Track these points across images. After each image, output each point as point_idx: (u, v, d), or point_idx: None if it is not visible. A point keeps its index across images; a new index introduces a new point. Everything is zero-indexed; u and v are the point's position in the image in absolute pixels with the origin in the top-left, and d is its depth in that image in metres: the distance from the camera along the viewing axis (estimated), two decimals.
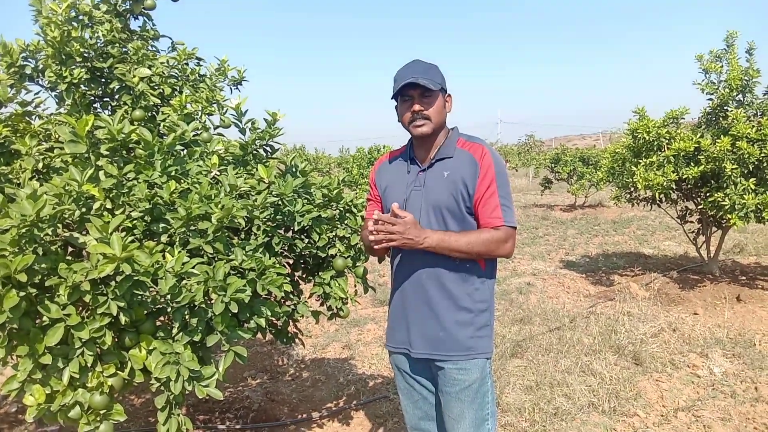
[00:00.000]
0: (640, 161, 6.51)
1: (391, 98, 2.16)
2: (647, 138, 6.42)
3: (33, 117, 2.88)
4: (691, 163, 6.14)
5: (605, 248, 9.84)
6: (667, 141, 6.34)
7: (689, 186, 6.53)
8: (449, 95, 2.19)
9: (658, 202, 7.04)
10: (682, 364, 4.51)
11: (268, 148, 2.79)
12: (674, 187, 6.38)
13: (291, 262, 2.81)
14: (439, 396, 2.21)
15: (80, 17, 2.78)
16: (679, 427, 3.55)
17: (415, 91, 2.06)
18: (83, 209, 2.06)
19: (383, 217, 1.87)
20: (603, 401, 3.84)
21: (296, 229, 2.59)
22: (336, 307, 2.81)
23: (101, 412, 2.08)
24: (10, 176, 2.44)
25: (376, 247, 1.97)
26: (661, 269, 7.71)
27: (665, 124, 6.52)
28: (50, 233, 2.02)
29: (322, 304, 2.86)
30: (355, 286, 2.91)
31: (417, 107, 2.06)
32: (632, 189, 7.12)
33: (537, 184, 20.15)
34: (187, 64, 3.04)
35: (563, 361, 4.55)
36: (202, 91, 2.84)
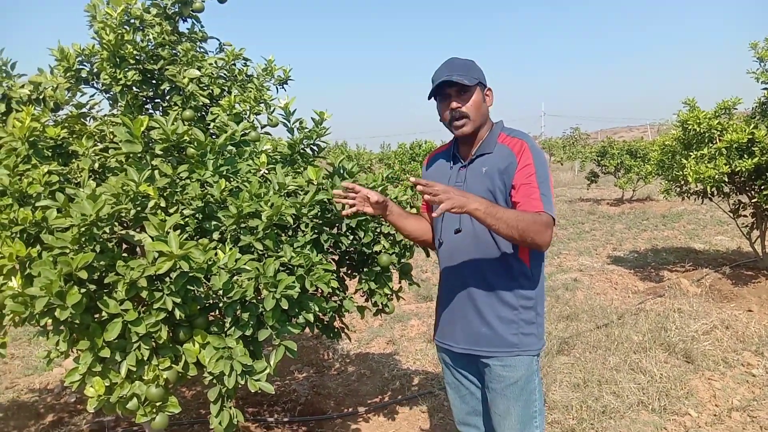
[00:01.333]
0: (691, 153, 6.34)
1: (429, 98, 2.16)
2: (698, 129, 6.25)
3: (88, 118, 2.98)
4: (745, 155, 5.94)
5: (654, 243, 9.62)
6: (719, 132, 6.15)
7: (742, 179, 6.32)
8: (489, 89, 2.17)
9: (709, 195, 6.84)
10: (736, 362, 4.39)
11: (315, 147, 2.83)
12: (726, 180, 6.18)
13: (336, 258, 2.85)
14: (485, 392, 2.21)
15: (132, 21, 2.86)
16: (733, 428, 3.46)
17: (452, 89, 2.06)
18: (138, 208, 2.12)
19: (421, 181, 1.80)
20: (653, 399, 3.77)
21: (343, 228, 2.62)
22: (381, 303, 2.83)
23: (157, 403, 2.15)
24: (68, 176, 2.54)
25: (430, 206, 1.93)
26: (712, 265, 7.49)
27: (717, 115, 6.33)
28: (108, 231, 2.10)
29: (367, 300, 2.88)
30: (400, 282, 2.93)
31: (455, 104, 2.07)
32: (682, 182, 6.94)
33: (583, 178, 19.79)
34: (234, 64, 3.10)
35: (611, 358, 4.48)
36: (250, 91, 2.89)
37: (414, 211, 2.63)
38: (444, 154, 2.30)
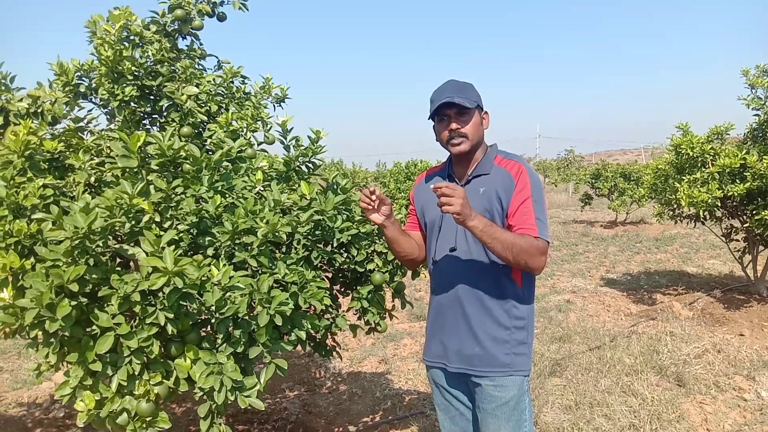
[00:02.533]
0: (684, 177, 6.40)
1: (428, 119, 2.19)
2: (691, 154, 6.31)
3: (85, 132, 2.99)
4: (737, 180, 6.00)
5: (647, 266, 9.65)
6: (711, 157, 6.21)
7: (735, 203, 6.37)
8: (486, 112, 2.20)
9: (702, 219, 6.88)
10: (727, 386, 4.39)
11: (310, 165, 2.85)
12: (719, 204, 6.24)
13: (330, 276, 2.85)
14: (476, 412, 2.21)
15: (131, 37, 2.89)
16: None
17: (452, 110, 2.09)
18: (133, 222, 2.13)
19: (449, 185, 1.85)
20: (644, 423, 3.76)
21: (335, 244, 2.63)
22: (374, 321, 2.84)
23: (147, 419, 2.14)
24: (64, 189, 2.54)
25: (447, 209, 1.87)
26: (705, 288, 7.52)
27: (710, 140, 6.40)
28: (101, 245, 2.10)
29: (359, 318, 2.89)
30: (393, 300, 2.93)
31: (454, 125, 2.09)
32: (675, 206, 6.98)
33: (577, 200, 19.88)
34: (232, 82, 3.13)
35: (603, 380, 4.47)
36: (247, 109, 2.91)
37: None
38: (438, 173, 2.31)
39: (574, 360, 5.01)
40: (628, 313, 6.85)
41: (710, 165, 6.17)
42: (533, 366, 4.63)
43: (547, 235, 2.02)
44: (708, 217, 6.75)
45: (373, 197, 2.05)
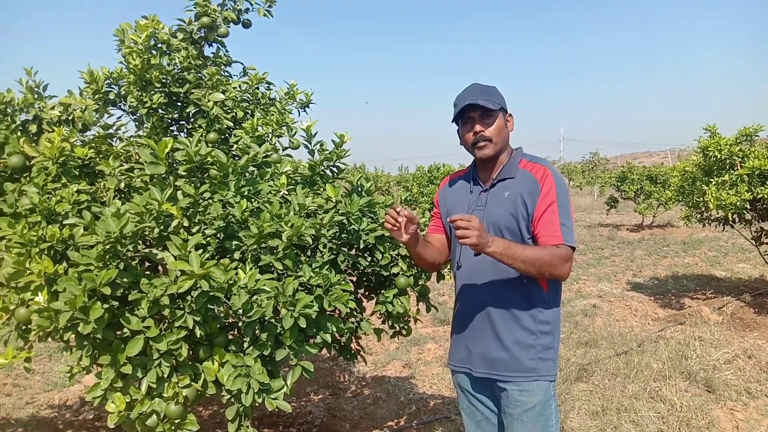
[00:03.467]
0: (712, 180, 6.30)
1: (452, 122, 2.19)
2: (719, 156, 6.21)
3: (114, 139, 3.05)
4: (767, 182, 5.89)
5: (675, 270, 9.51)
6: (740, 159, 6.11)
7: (765, 206, 6.25)
8: (510, 115, 2.20)
9: (731, 222, 6.77)
10: (759, 393, 4.30)
11: (335, 169, 2.87)
12: (748, 207, 6.12)
13: (354, 279, 2.87)
14: (501, 417, 2.20)
15: (159, 45, 2.95)
16: None
17: (476, 113, 2.09)
18: (162, 227, 2.17)
19: (463, 216, 1.83)
20: (673, 429, 3.70)
21: (360, 247, 2.64)
22: (398, 325, 2.84)
23: (176, 421, 2.17)
24: (95, 195, 2.60)
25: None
26: (734, 293, 7.38)
27: (738, 141, 6.30)
28: (131, 249, 2.15)
29: (384, 322, 2.89)
30: (417, 304, 2.94)
31: (478, 128, 2.09)
32: (703, 209, 6.88)
33: (602, 203, 19.66)
34: (257, 88, 3.17)
35: (631, 386, 4.42)
36: (273, 114, 2.95)
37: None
38: (463, 177, 2.30)
39: (601, 365, 4.96)
40: (656, 318, 6.75)
41: (739, 167, 6.07)
42: (559, 371, 4.59)
43: (573, 240, 2.01)
44: (737, 219, 6.63)
45: (400, 219, 1.97)
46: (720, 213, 6.54)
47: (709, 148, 6.31)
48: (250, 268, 2.09)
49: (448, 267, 2.82)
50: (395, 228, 1.99)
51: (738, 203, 5.86)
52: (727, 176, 6.10)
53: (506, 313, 2.09)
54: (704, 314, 6.34)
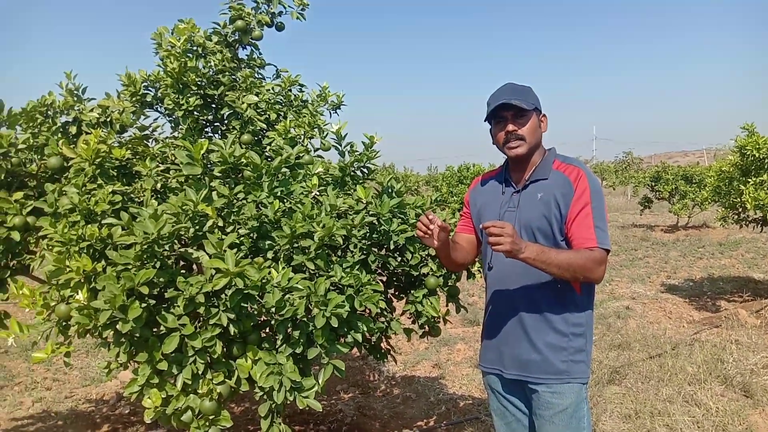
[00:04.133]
0: (749, 180, 6.16)
1: (485, 120, 2.17)
2: (757, 155, 6.08)
3: (150, 140, 3.12)
4: None
5: (710, 272, 9.31)
6: None
7: None
8: (544, 115, 2.17)
9: None
10: None
11: (365, 170, 2.89)
12: None
13: (384, 279, 2.88)
14: (533, 419, 2.19)
15: (195, 48, 3.01)
16: None
17: (509, 112, 2.07)
18: (197, 227, 2.22)
19: (496, 223, 1.82)
20: None
21: (391, 247, 2.66)
22: (428, 325, 2.85)
23: (210, 417, 2.22)
24: (132, 195, 2.67)
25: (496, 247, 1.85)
26: None
27: None
28: (168, 249, 2.20)
29: (413, 322, 2.90)
30: (447, 305, 2.94)
31: (511, 127, 2.07)
32: (740, 209, 6.74)
33: (636, 204, 19.35)
34: (290, 90, 3.21)
35: (665, 389, 4.35)
36: (305, 116, 2.98)
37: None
38: (495, 177, 2.28)
39: (634, 368, 4.89)
40: (691, 321, 6.63)
41: None
42: (591, 374, 4.54)
43: (607, 243, 1.98)
44: None
45: (432, 227, 1.98)
46: (758, 213, 6.40)
47: (747, 147, 6.18)
48: (283, 268, 2.12)
49: (477, 266, 2.82)
50: (426, 236, 2.00)
51: None
52: (765, 176, 5.97)
53: (538, 316, 2.07)
54: (741, 317, 6.20)
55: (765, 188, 5.90)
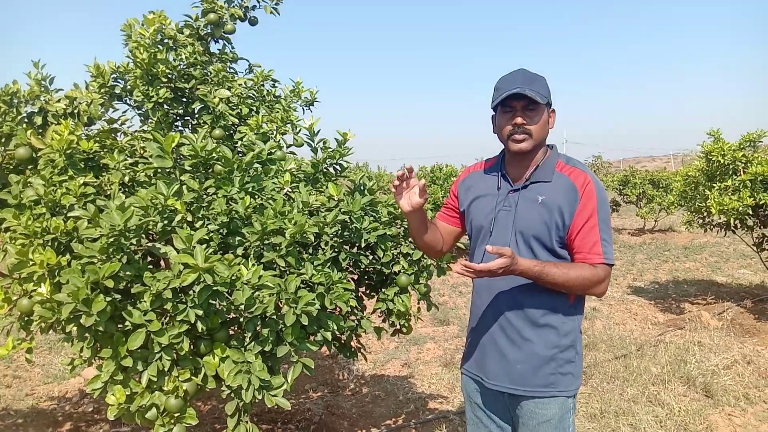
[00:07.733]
0: (714, 185, 6.30)
1: (492, 107, 1.98)
2: (722, 161, 6.22)
3: (118, 133, 3.06)
4: None
5: (675, 275, 9.50)
6: (743, 165, 6.11)
7: (767, 212, 6.25)
8: (553, 110, 2.00)
9: (732, 228, 6.76)
10: (757, 399, 4.30)
11: (338, 167, 2.88)
12: (750, 212, 6.12)
13: (355, 277, 2.87)
14: (515, 427, 2.10)
15: (165, 41, 2.96)
16: None
17: (519, 103, 1.89)
18: (166, 221, 2.18)
19: (502, 250, 1.71)
20: None
21: (362, 245, 2.65)
22: (399, 323, 2.85)
23: (175, 414, 2.18)
24: (99, 188, 2.61)
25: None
26: (735, 298, 7.38)
27: (741, 147, 6.29)
28: (135, 243, 2.16)
29: (384, 321, 2.90)
30: (418, 303, 2.95)
31: (519, 120, 1.89)
32: (705, 214, 6.88)
33: None
34: (263, 85, 3.18)
35: (629, 389, 4.42)
36: (278, 112, 2.96)
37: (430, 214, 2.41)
38: (489, 170, 2.11)
39: (600, 368, 4.96)
40: (656, 322, 6.76)
41: (742, 173, 6.07)
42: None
43: (612, 258, 1.90)
44: (739, 225, 6.63)
45: (411, 181, 1.90)
46: (722, 218, 6.54)
47: (713, 153, 6.31)
48: (253, 265, 2.10)
49: (448, 262, 2.83)
50: (399, 186, 1.92)
51: (740, 209, 5.86)
52: (729, 181, 6.10)
53: (526, 323, 1.95)
54: (704, 319, 6.34)
55: (729, 193, 6.03)
